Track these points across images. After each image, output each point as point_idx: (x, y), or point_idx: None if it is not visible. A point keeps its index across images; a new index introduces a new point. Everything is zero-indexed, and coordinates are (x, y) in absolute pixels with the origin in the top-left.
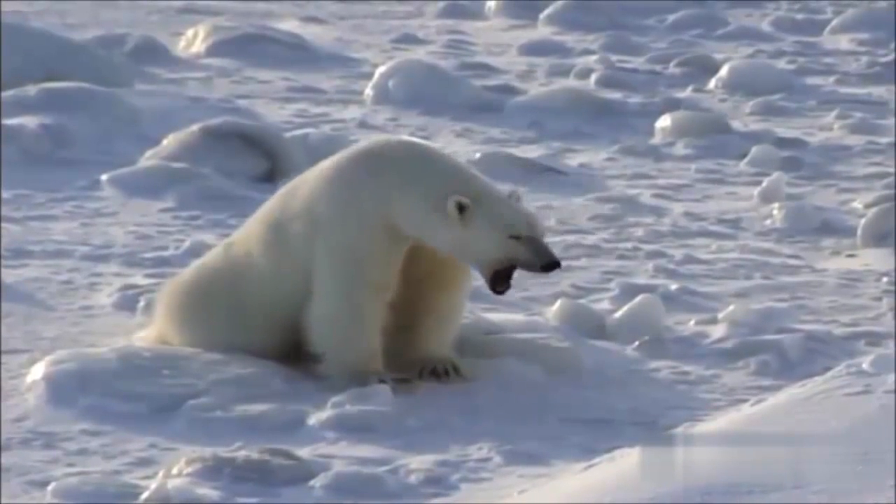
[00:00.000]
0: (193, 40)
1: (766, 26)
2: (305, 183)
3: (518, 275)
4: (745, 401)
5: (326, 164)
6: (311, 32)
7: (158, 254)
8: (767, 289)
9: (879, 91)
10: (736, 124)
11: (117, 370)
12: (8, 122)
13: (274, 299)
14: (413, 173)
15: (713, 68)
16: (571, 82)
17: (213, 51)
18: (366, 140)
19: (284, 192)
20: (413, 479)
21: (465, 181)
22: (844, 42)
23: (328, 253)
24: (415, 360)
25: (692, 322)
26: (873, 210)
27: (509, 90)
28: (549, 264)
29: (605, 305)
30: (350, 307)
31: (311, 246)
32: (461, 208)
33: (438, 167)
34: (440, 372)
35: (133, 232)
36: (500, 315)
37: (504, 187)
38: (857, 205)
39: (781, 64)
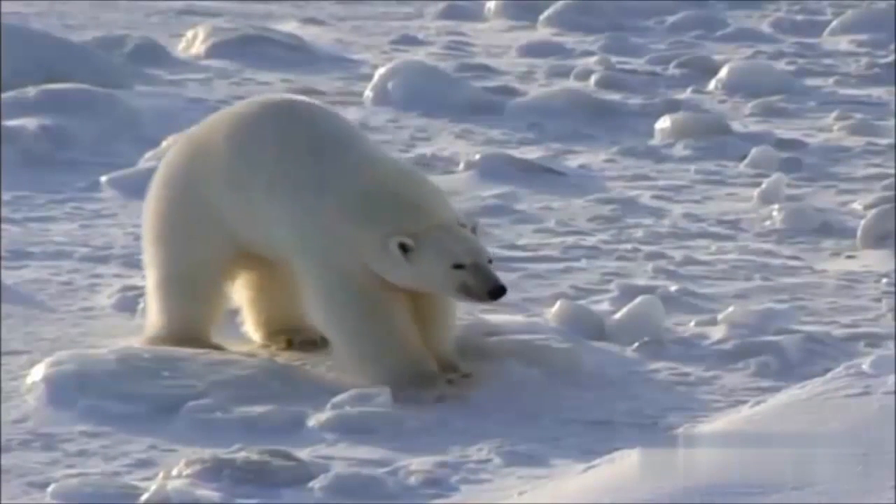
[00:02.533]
0: (193, 42)
1: (765, 27)
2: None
3: (517, 276)
4: (744, 402)
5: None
6: (310, 34)
7: None
8: (767, 290)
9: (879, 92)
10: (736, 125)
11: (117, 371)
12: (8, 123)
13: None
14: (355, 212)
15: (713, 69)
16: (571, 83)
17: (212, 52)
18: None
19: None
20: (413, 480)
21: (407, 215)
22: (844, 43)
23: (318, 274)
24: None
25: (692, 323)
26: (873, 211)
27: (509, 91)
28: (495, 290)
29: (604, 307)
30: (373, 321)
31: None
32: (404, 248)
33: (380, 200)
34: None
35: (132, 233)
36: (500, 316)
37: (469, 210)
38: (857, 206)
39: (781, 65)
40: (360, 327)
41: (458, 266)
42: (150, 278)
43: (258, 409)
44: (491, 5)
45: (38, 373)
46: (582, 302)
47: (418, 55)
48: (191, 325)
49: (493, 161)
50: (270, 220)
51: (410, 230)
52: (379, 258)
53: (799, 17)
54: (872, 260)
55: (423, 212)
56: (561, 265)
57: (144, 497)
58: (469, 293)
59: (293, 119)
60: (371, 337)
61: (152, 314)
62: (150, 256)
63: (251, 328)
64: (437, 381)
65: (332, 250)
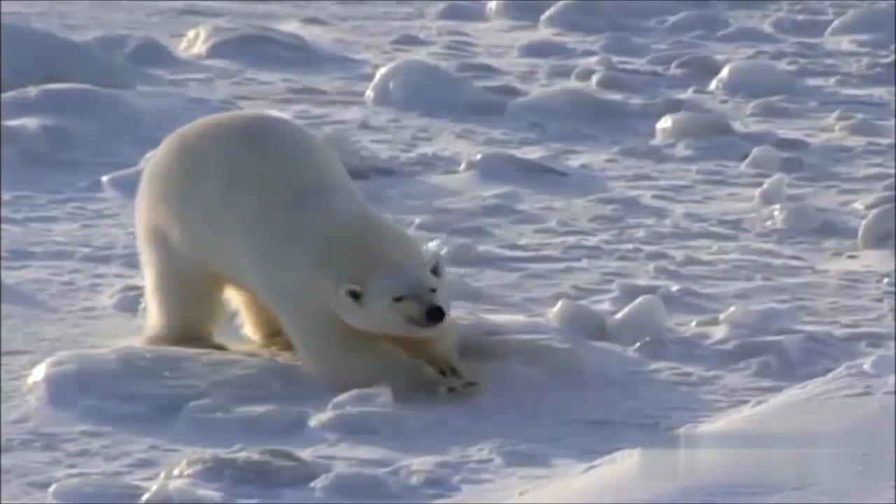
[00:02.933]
0: (194, 41)
1: (766, 27)
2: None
3: (518, 276)
4: (745, 402)
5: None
6: (311, 33)
7: None
8: (768, 290)
9: (880, 92)
10: (737, 125)
11: (118, 371)
12: (8, 123)
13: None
14: (316, 261)
15: (714, 69)
16: (572, 83)
17: (213, 52)
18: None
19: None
20: (414, 480)
21: (357, 262)
22: (845, 43)
23: (290, 317)
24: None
25: (693, 323)
26: (874, 211)
27: (510, 91)
28: (430, 310)
29: (606, 306)
30: (355, 353)
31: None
32: (355, 295)
33: (336, 249)
34: (441, 372)
35: (134, 233)
36: (502, 316)
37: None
38: (858, 206)
39: (782, 65)
40: (343, 361)
41: (399, 298)
42: (147, 278)
43: (259, 408)
44: (492, 5)
45: (39, 373)
46: (583, 302)
47: (419, 55)
48: (190, 325)
49: (495, 161)
50: (239, 258)
51: (357, 276)
52: (336, 304)
53: (800, 17)
54: (874, 260)
55: (374, 256)
56: (562, 265)
57: (146, 497)
58: (414, 322)
59: (274, 164)
60: (358, 367)
61: (152, 314)
62: (145, 256)
63: (250, 329)
64: (437, 385)
65: (300, 296)
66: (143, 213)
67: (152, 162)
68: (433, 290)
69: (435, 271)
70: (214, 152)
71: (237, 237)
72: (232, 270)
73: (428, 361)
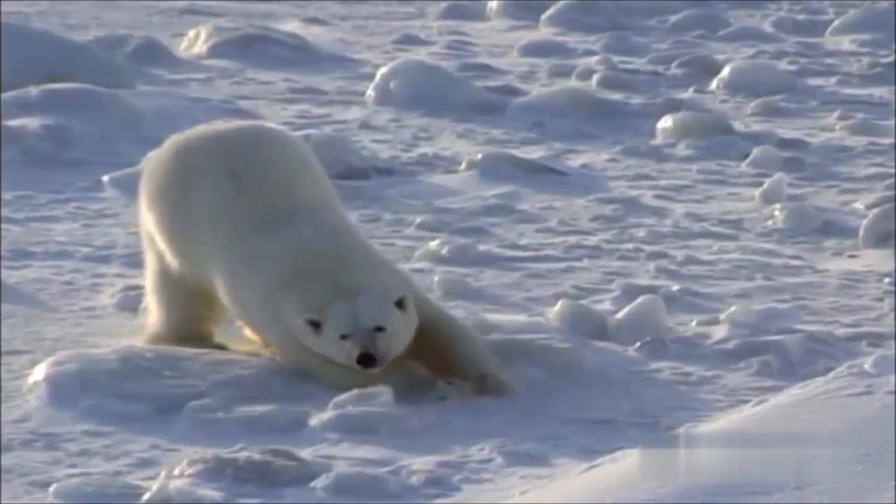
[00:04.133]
0: (195, 41)
1: (767, 27)
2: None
3: (519, 276)
4: (746, 401)
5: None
6: (312, 33)
7: None
8: (769, 289)
9: (881, 92)
10: (737, 125)
11: (119, 371)
12: (9, 123)
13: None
14: (284, 289)
15: (715, 69)
16: (573, 83)
17: (214, 52)
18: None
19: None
20: (415, 479)
21: (321, 293)
22: (846, 43)
23: (267, 334)
24: None
25: (694, 323)
26: (875, 211)
27: (511, 91)
28: (360, 357)
29: (606, 306)
30: (346, 372)
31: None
32: (314, 324)
33: (304, 279)
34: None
35: (135, 233)
36: (502, 316)
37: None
38: (859, 206)
39: (783, 65)
40: (331, 372)
41: (344, 336)
42: (147, 276)
43: (260, 408)
44: (493, 5)
45: (39, 372)
46: (584, 301)
47: (420, 55)
48: (189, 324)
49: (495, 161)
50: (214, 276)
51: (318, 305)
52: (296, 331)
53: (801, 17)
54: (874, 259)
55: (335, 287)
56: (563, 265)
57: (146, 497)
58: (353, 361)
59: (257, 191)
60: (348, 375)
61: (151, 311)
62: (146, 254)
63: (251, 329)
64: (436, 383)
65: (271, 318)
66: (141, 212)
67: (152, 162)
68: (380, 330)
69: (400, 304)
70: (202, 175)
71: (214, 256)
72: (208, 284)
73: (460, 374)
